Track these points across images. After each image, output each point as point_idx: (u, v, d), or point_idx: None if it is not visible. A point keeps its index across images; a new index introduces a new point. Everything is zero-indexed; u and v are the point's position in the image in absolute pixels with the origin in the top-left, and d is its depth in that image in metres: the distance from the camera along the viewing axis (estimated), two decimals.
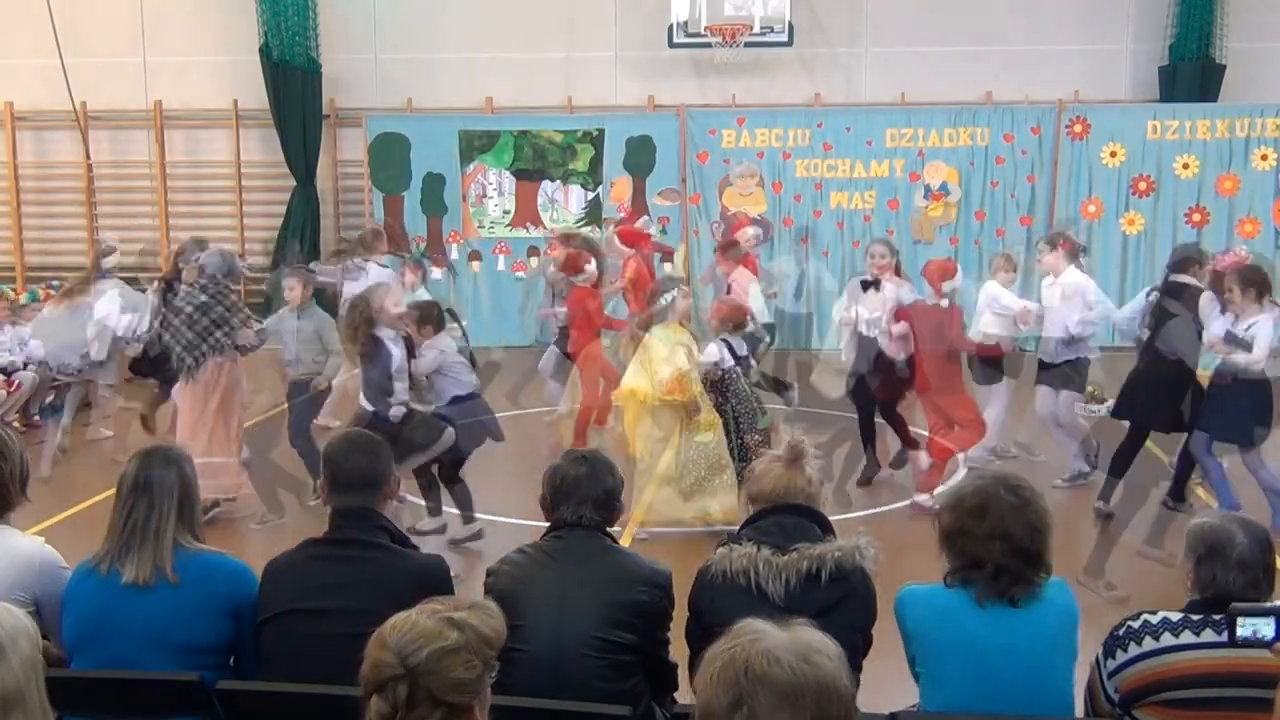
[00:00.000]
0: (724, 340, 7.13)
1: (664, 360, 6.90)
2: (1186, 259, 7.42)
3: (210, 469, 6.81)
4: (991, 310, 8.27)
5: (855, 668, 2.94)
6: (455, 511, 7.09)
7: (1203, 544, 3.09)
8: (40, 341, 9.30)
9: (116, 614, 3.27)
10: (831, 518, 3.62)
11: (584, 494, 3.51)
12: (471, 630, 2.05)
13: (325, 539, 3.43)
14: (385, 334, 6.70)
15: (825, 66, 14.85)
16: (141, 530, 3.31)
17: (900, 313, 7.72)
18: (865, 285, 8.00)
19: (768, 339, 8.99)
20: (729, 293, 8.96)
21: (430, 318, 7.19)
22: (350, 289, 9.31)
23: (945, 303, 7.53)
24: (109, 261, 9.18)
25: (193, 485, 3.46)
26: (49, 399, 10.13)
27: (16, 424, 9.34)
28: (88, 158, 15.76)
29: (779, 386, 7.57)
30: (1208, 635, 2.99)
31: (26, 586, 3.42)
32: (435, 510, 7.11)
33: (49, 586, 3.44)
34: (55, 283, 10.92)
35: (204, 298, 7.29)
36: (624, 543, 6.30)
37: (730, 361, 7.06)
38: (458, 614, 2.07)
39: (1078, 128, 13.42)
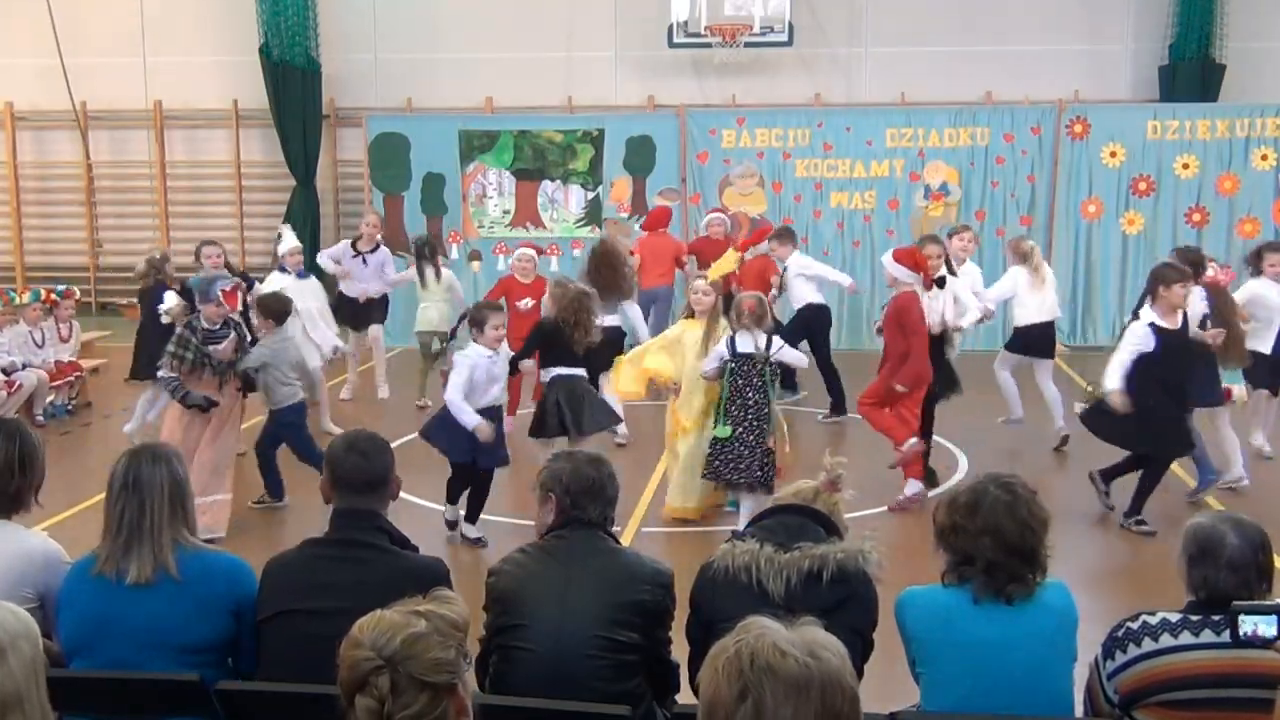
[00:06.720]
0: (732, 336, 6.89)
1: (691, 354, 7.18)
2: None
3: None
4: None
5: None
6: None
7: (1194, 545, 3.10)
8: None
9: (116, 616, 3.26)
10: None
11: (609, 496, 3.52)
12: (437, 617, 2.08)
13: (325, 539, 3.43)
14: None
15: (825, 66, 14.85)
16: (136, 529, 3.30)
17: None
18: None
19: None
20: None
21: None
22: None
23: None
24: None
25: (184, 482, 3.43)
26: (50, 399, 10.13)
27: None
28: (88, 158, 15.76)
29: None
30: (1207, 636, 2.99)
31: (32, 582, 3.42)
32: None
33: (54, 582, 3.44)
34: (61, 288, 10.89)
35: None
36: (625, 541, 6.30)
37: (724, 354, 6.81)
38: (420, 607, 2.11)
39: (1078, 127, 13.41)
